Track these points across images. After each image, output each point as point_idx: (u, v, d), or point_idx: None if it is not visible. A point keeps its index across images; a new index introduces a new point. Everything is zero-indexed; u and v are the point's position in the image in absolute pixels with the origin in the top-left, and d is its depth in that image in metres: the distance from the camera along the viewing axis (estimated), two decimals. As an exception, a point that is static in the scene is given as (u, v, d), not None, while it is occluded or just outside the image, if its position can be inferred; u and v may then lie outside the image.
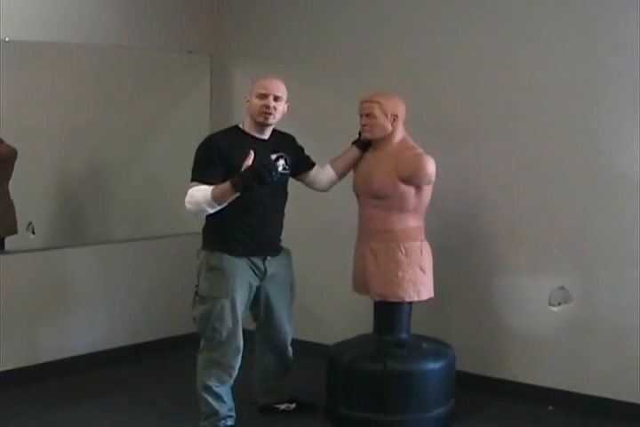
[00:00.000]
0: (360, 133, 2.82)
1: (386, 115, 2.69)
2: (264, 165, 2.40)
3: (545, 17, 2.93)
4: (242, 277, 2.62)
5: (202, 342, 2.68)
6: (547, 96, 2.95)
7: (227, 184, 2.44)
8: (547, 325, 2.98)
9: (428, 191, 2.73)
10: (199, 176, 2.55)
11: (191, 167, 2.60)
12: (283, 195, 2.74)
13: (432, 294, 2.77)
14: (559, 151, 2.94)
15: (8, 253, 3.23)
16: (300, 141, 2.84)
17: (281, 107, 2.62)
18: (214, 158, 2.56)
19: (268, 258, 2.68)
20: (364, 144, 2.83)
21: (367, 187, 2.75)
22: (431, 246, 2.79)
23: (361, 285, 2.81)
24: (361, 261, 2.79)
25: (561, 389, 2.96)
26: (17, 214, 3.24)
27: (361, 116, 2.74)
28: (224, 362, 2.63)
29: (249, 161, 2.44)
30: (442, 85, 3.17)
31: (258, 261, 2.66)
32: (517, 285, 3.03)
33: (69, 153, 3.44)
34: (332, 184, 2.87)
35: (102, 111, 3.46)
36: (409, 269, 2.69)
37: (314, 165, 2.84)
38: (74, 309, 3.42)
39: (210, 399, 2.64)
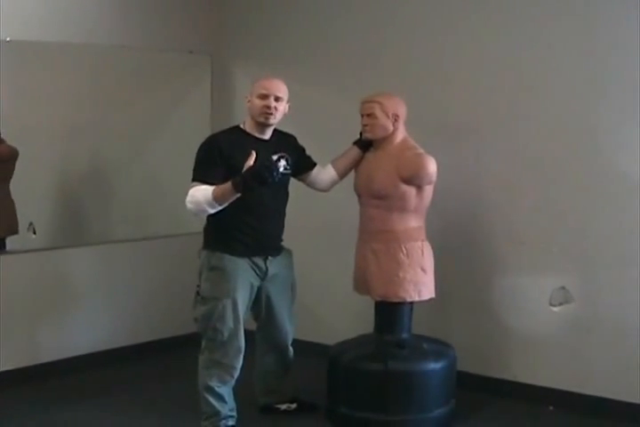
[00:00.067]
0: (361, 134, 2.82)
1: (387, 115, 2.69)
2: (265, 166, 2.40)
3: (545, 17, 2.94)
4: (243, 277, 2.62)
5: (203, 343, 2.68)
6: (547, 96, 2.95)
7: (228, 184, 2.44)
8: (547, 325, 2.98)
9: (429, 191, 2.73)
10: (200, 176, 2.55)
11: (192, 167, 2.60)
12: (284, 195, 2.74)
13: (433, 295, 2.78)
14: (559, 151, 2.95)
15: (9, 253, 3.23)
16: (301, 141, 2.84)
17: (282, 107, 2.62)
18: (215, 159, 2.56)
19: (270, 258, 2.68)
20: (365, 144, 2.83)
21: (368, 187, 2.75)
22: (432, 246, 2.79)
23: (362, 285, 2.81)
24: (362, 261, 2.79)
25: (561, 389, 2.96)
26: (18, 214, 3.24)
27: (362, 116, 2.75)
28: (225, 362, 2.63)
29: (250, 161, 2.44)
30: (443, 85, 3.17)
31: (259, 261, 2.66)
32: (518, 285, 3.03)
33: (70, 153, 3.44)
34: (334, 184, 2.87)
35: (103, 111, 3.46)
36: (410, 269, 2.69)
37: (315, 165, 2.84)
38: (74, 309, 3.42)
39: (211, 400, 2.64)
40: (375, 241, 2.73)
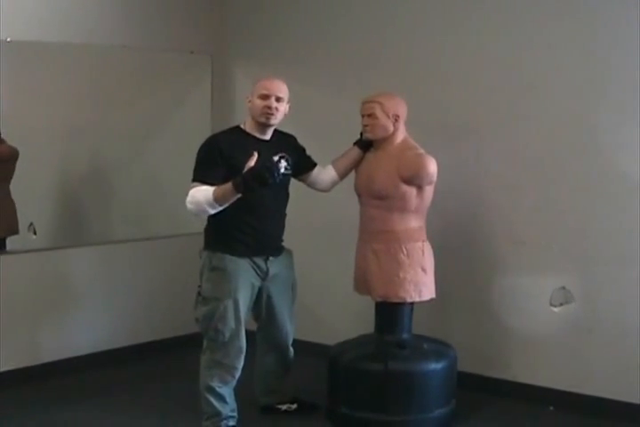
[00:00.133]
0: (361, 134, 2.82)
1: (387, 115, 2.69)
2: (266, 167, 2.40)
3: (545, 17, 2.94)
4: (244, 277, 2.62)
5: (204, 343, 2.68)
6: (547, 96, 2.95)
7: (228, 185, 2.44)
8: (548, 325, 2.98)
9: (429, 192, 2.73)
10: (200, 177, 2.55)
11: (192, 167, 2.60)
12: (284, 195, 2.74)
13: (433, 295, 2.78)
14: (559, 151, 2.95)
15: (9, 253, 3.23)
16: (302, 141, 2.84)
17: (283, 107, 2.62)
18: (216, 159, 2.56)
19: (270, 258, 2.68)
20: (365, 144, 2.83)
21: (369, 187, 2.75)
22: (432, 246, 2.79)
23: (362, 285, 2.81)
24: (362, 261, 2.79)
25: (561, 389, 2.96)
26: (18, 214, 3.24)
27: (362, 116, 2.75)
28: (226, 363, 2.63)
29: (251, 162, 2.44)
30: (443, 85, 3.17)
31: (260, 261, 2.66)
32: (518, 285, 3.03)
33: (71, 153, 3.44)
34: (334, 184, 2.87)
35: (103, 111, 3.46)
36: (410, 269, 2.69)
37: (315, 165, 2.84)
38: (75, 309, 3.42)
39: (212, 400, 2.64)
40: (376, 241, 2.73)
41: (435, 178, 2.69)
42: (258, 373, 2.88)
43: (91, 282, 3.47)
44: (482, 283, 3.12)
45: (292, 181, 2.78)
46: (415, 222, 2.73)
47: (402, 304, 2.74)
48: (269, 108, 2.58)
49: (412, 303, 2.77)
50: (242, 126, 2.69)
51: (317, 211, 3.43)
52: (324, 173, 2.83)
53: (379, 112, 2.69)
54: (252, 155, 2.47)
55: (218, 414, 2.66)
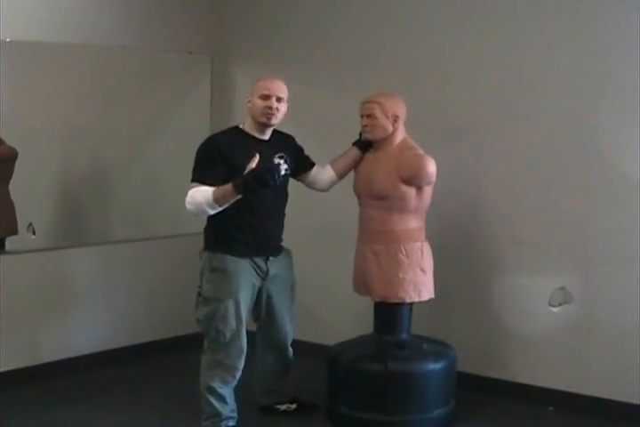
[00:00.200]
0: (361, 134, 2.82)
1: (386, 115, 2.69)
2: (268, 169, 2.40)
3: (545, 17, 2.93)
4: (245, 277, 2.62)
5: (205, 344, 2.68)
6: (547, 96, 2.95)
7: (229, 186, 2.44)
8: (547, 325, 2.97)
9: (428, 192, 2.73)
10: (199, 177, 2.55)
11: (192, 167, 2.60)
12: (284, 195, 2.74)
13: (433, 295, 2.78)
14: (559, 151, 2.94)
15: (8, 253, 3.23)
16: (301, 142, 2.84)
17: (283, 107, 2.63)
18: (215, 159, 2.56)
19: (271, 258, 2.68)
20: (364, 145, 2.83)
21: (368, 187, 2.75)
22: (432, 247, 2.79)
23: (361, 285, 2.81)
24: (362, 261, 2.79)
25: (561, 389, 2.96)
26: (17, 215, 3.24)
27: (361, 116, 2.74)
28: (227, 363, 2.64)
29: (253, 164, 2.44)
30: (443, 85, 3.17)
31: (260, 261, 2.66)
32: (518, 285, 3.03)
33: (70, 153, 3.44)
34: (332, 184, 2.87)
35: (103, 112, 3.46)
36: (410, 269, 2.69)
37: (314, 165, 2.84)
38: (75, 309, 3.42)
39: (213, 400, 2.64)
40: (375, 242, 2.73)
41: (434, 178, 2.69)
42: (257, 373, 2.88)
43: (91, 282, 3.47)
44: (481, 283, 3.12)
45: (291, 181, 2.78)
46: (414, 223, 2.73)
47: (401, 304, 2.74)
48: (270, 108, 2.58)
49: (411, 304, 2.77)
50: (241, 126, 2.69)
51: (317, 211, 3.43)
52: (323, 173, 2.84)
53: (378, 112, 2.68)
54: (252, 155, 2.47)
55: (218, 414, 2.66)
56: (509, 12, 3.01)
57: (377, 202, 2.72)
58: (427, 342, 2.82)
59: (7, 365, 3.16)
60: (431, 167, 2.66)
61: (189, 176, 2.58)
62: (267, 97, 2.58)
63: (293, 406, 2.93)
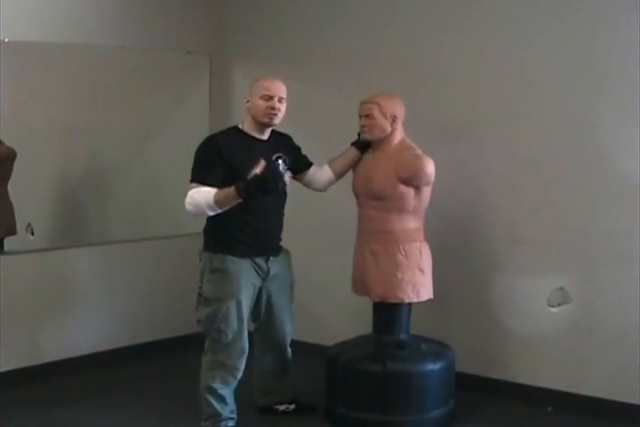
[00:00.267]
0: (359, 134, 2.82)
1: (385, 116, 2.69)
2: (272, 176, 2.41)
3: (545, 17, 2.92)
4: (246, 278, 2.62)
5: (206, 344, 2.68)
6: (547, 96, 2.94)
7: (231, 190, 2.43)
8: (546, 325, 2.97)
9: (427, 192, 2.73)
10: (199, 177, 2.55)
11: (191, 168, 2.59)
12: (283, 195, 2.74)
13: (431, 295, 2.77)
14: (559, 151, 2.94)
15: (7, 253, 3.23)
16: (301, 142, 2.84)
17: (284, 107, 2.63)
18: (215, 159, 2.56)
19: (271, 258, 2.68)
20: (363, 145, 2.82)
21: (367, 188, 2.75)
22: (431, 247, 2.79)
23: (360, 285, 2.81)
24: (360, 262, 2.79)
25: (560, 390, 2.95)
26: (16, 215, 3.24)
27: (360, 117, 2.74)
28: (228, 364, 2.64)
29: (257, 169, 2.43)
30: (442, 85, 3.16)
31: (261, 261, 2.66)
32: (517, 285, 3.03)
33: (69, 153, 3.44)
34: (330, 184, 2.87)
35: (102, 112, 3.46)
36: (408, 270, 2.69)
37: (311, 164, 2.84)
38: (74, 309, 3.43)
39: (212, 401, 2.64)
40: (374, 242, 2.73)
41: (432, 179, 2.68)
42: (256, 373, 2.88)
43: (90, 282, 3.48)
44: (480, 283, 3.11)
45: (290, 181, 2.78)
46: (413, 223, 2.73)
47: (400, 305, 2.74)
48: (274, 108, 2.58)
49: (409, 304, 2.77)
50: (240, 126, 2.69)
51: (316, 212, 3.43)
52: (321, 173, 2.83)
53: (376, 113, 2.68)
54: (254, 156, 2.46)
55: (217, 414, 2.66)
56: (509, 12, 3.00)
57: (375, 202, 2.72)
58: (425, 343, 2.82)
59: (7, 365, 3.17)
60: (430, 168, 2.66)
61: (188, 176, 2.58)
62: (269, 97, 2.58)
63: (292, 406, 2.93)
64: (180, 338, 3.64)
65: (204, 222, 2.70)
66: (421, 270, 2.72)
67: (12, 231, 3.25)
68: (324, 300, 3.55)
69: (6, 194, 3.21)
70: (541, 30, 2.93)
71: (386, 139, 2.73)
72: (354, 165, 2.84)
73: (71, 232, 3.49)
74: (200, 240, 2.72)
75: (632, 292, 2.80)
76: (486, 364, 3.12)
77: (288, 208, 2.77)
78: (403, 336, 2.78)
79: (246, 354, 2.66)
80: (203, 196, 2.47)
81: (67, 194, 3.48)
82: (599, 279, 2.87)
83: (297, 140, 2.83)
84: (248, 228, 2.62)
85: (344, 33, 3.44)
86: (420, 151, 2.71)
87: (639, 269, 2.78)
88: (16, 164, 3.19)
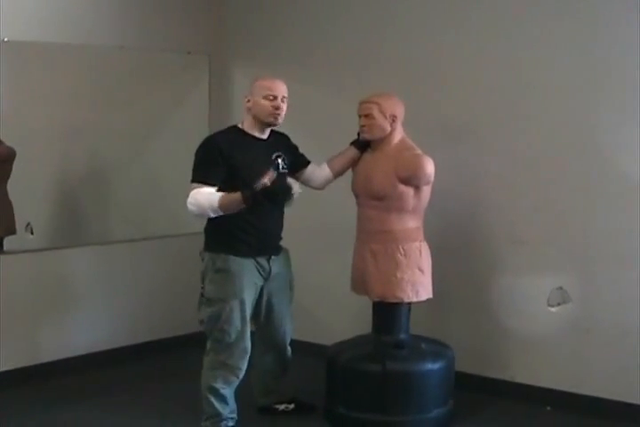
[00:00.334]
0: (359, 134, 2.82)
1: (384, 116, 2.69)
2: (282, 189, 2.42)
3: (545, 17, 2.93)
4: (248, 277, 2.62)
5: (208, 344, 2.67)
6: (546, 96, 2.94)
7: (237, 196, 2.43)
8: (546, 325, 2.97)
9: (426, 192, 2.73)
10: (201, 177, 2.54)
11: (191, 167, 2.59)
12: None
13: (431, 295, 2.77)
14: (559, 151, 2.94)
15: (7, 253, 3.23)
16: (300, 141, 2.84)
17: (285, 107, 2.63)
18: (216, 159, 2.56)
19: (273, 257, 2.69)
20: (362, 145, 2.83)
21: (366, 188, 2.75)
22: (430, 247, 2.79)
23: (359, 285, 2.81)
24: (360, 261, 2.79)
25: (560, 389, 2.95)
26: (16, 215, 3.24)
27: (359, 116, 2.74)
28: (231, 364, 2.64)
29: (266, 179, 2.42)
30: (442, 85, 3.16)
31: (263, 260, 2.66)
32: (516, 285, 3.03)
33: (69, 153, 3.44)
34: (328, 183, 2.87)
35: (102, 112, 3.46)
36: (408, 269, 2.69)
37: (309, 162, 2.84)
38: (74, 309, 3.42)
39: (213, 401, 2.64)
40: (373, 241, 2.73)
41: (432, 178, 2.69)
42: (256, 373, 2.88)
43: (90, 282, 3.47)
44: (480, 283, 3.11)
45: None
46: (413, 223, 2.73)
47: (399, 304, 2.74)
48: (278, 108, 2.59)
49: (409, 303, 2.77)
50: (240, 126, 2.69)
51: (315, 211, 3.42)
52: (319, 171, 2.84)
53: (376, 112, 2.68)
54: (266, 172, 2.45)
55: (218, 414, 2.66)
56: (509, 12, 3.00)
57: (375, 202, 2.72)
58: (425, 342, 2.82)
59: (7, 365, 3.16)
60: (429, 167, 2.66)
61: (189, 176, 2.58)
62: (274, 97, 2.59)
63: (292, 406, 2.93)
64: (179, 338, 3.64)
65: (204, 222, 2.70)
66: (421, 270, 2.72)
67: (12, 231, 3.26)
68: (323, 299, 3.55)
69: (6, 194, 3.21)
70: (541, 30, 2.93)
71: (385, 138, 2.73)
72: (353, 165, 2.85)
73: (71, 232, 3.49)
74: (200, 240, 2.72)
75: (632, 292, 2.80)
76: (486, 364, 3.12)
77: (288, 209, 2.76)
78: (402, 336, 2.78)
79: (249, 354, 2.66)
80: (206, 198, 2.47)
81: (66, 194, 3.48)
82: (599, 279, 2.87)
83: (297, 140, 2.83)
84: (250, 227, 2.62)
85: (344, 33, 3.44)
86: (419, 151, 2.71)
87: (639, 270, 2.78)
88: (16, 163, 3.20)
